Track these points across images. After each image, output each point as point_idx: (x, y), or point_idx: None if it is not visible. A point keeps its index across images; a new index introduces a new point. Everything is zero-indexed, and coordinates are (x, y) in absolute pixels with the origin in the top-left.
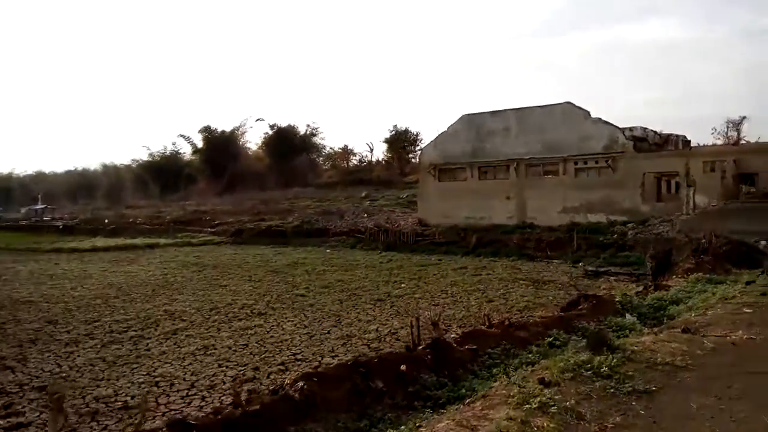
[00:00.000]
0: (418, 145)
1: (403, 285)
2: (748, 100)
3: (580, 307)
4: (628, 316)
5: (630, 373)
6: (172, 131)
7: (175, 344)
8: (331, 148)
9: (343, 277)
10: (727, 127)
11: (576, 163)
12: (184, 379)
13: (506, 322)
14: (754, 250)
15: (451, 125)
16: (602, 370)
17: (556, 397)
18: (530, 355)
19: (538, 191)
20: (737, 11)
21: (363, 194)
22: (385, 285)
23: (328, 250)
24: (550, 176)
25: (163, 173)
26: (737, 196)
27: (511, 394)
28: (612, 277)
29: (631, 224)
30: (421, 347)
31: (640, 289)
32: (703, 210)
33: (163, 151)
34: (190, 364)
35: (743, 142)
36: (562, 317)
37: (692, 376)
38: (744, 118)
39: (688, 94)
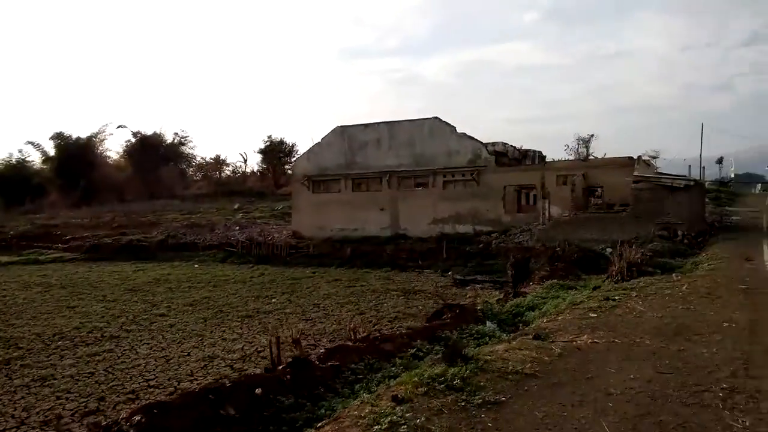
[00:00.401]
0: (293, 156)
1: (274, 300)
2: (597, 118)
3: (444, 317)
4: (488, 323)
5: (482, 383)
6: (18, 138)
7: (6, 376)
8: (202, 158)
9: (211, 294)
10: (578, 144)
11: (444, 176)
12: (13, 416)
13: (372, 336)
14: (600, 257)
15: (325, 137)
16: (455, 382)
17: (407, 414)
18: (393, 368)
19: (410, 203)
20: (588, 38)
21: (236, 206)
22: (255, 300)
23: (196, 266)
24: (421, 188)
25: (7, 184)
26: (586, 207)
27: (362, 414)
28: (478, 285)
29: (495, 234)
30: (281, 367)
31: (501, 296)
32: (557, 220)
33: (7, 159)
34: (23, 398)
35: (591, 157)
36: (427, 327)
37: (540, 384)
38: (592, 135)
39: (545, 113)
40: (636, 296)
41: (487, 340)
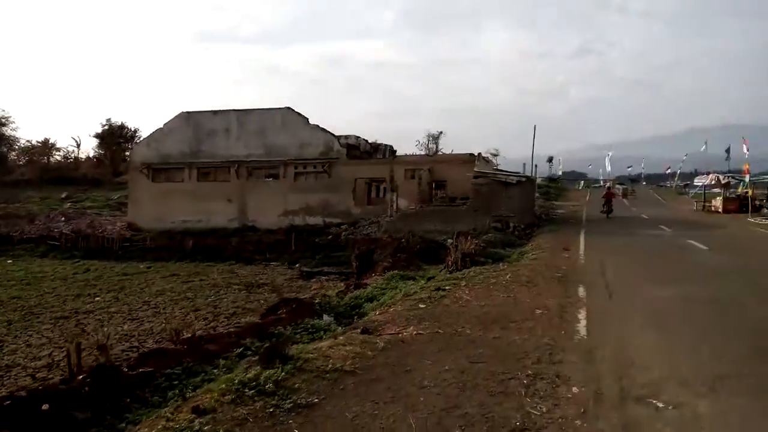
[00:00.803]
0: (136, 142)
1: (98, 298)
2: (446, 116)
3: (279, 312)
4: (325, 317)
5: (297, 385)
6: None
7: None
8: (27, 141)
9: (22, 293)
10: (428, 140)
11: (296, 167)
12: None
13: (196, 336)
14: (442, 247)
15: (168, 122)
16: (267, 386)
17: (206, 428)
18: (216, 371)
19: (260, 194)
20: (439, 40)
21: (63, 195)
22: (74, 300)
23: (9, 261)
24: (271, 179)
25: None
26: (431, 200)
27: (157, 430)
28: (324, 277)
29: (344, 226)
30: (81, 377)
31: (343, 288)
32: (404, 212)
33: None
34: None
35: (440, 153)
36: (259, 324)
37: (357, 381)
38: (441, 132)
39: (399, 109)
40: (464, 285)
41: (322, 334)
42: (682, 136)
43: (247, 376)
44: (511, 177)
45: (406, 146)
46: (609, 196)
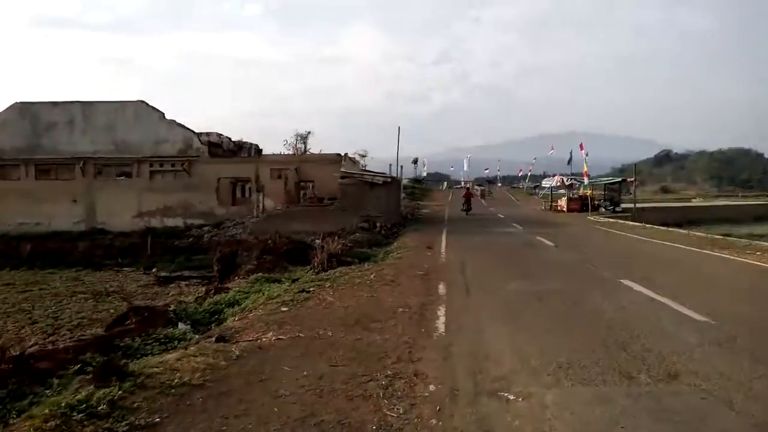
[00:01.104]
0: None
1: None
2: (315, 115)
3: (127, 322)
4: (181, 325)
5: (136, 404)
6: None
7: None
8: None
9: None
10: (296, 140)
11: (152, 165)
12: None
13: (26, 353)
14: (310, 248)
15: None
16: (100, 408)
17: None
18: (49, 392)
19: (111, 194)
20: (308, 38)
21: None
22: None
23: None
24: (123, 178)
25: None
26: (299, 200)
27: None
28: (184, 282)
29: (207, 227)
30: None
31: (204, 293)
32: (270, 213)
33: None
34: None
35: (309, 153)
36: (104, 337)
37: (206, 395)
38: (309, 132)
39: (267, 107)
40: (329, 287)
41: (176, 344)
42: (533, 140)
43: (77, 397)
44: (378, 177)
45: (275, 146)
46: (468, 196)
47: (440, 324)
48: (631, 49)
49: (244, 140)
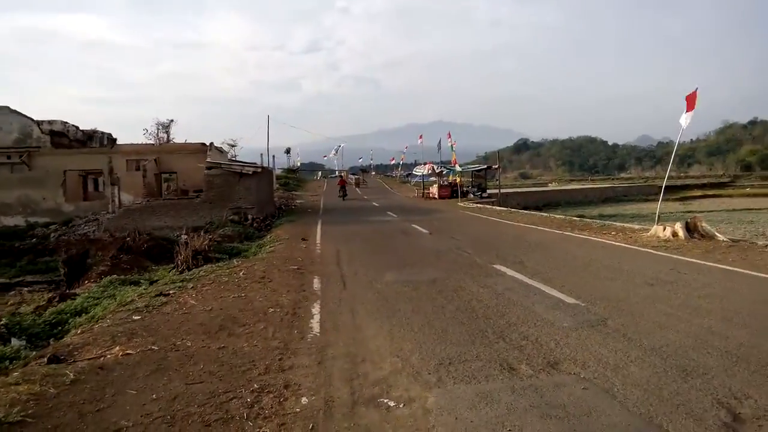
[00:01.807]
0: None
1: None
2: (177, 104)
3: None
4: (14, 341)
5: None
6: None
7: None
8: None
9: None
10: (158, 129)
11: None
12: None
13: None
14: (175, 245)
15: None
16: None
17: None
18: None
19: None
20: (165, 23)
21: None
22: None
23: None
24: None
25: None
26: (160, 193)
27: None
28: (26, 288)
29: (54, 226)
30: None
31: (46, 301)
32: (128, 208)
33: None
34: None
35: (173, 143)
36: None
37: None
38: (172, 121)
39: (123, 95)
40: (192, 288)
41: (7, 364)
42: (403, 130)
43: None
44: (247, 168)
45: (135, 137)
46: (342, 183)
47: (315, 323)
48: (489, 42)
49: (97, 129)
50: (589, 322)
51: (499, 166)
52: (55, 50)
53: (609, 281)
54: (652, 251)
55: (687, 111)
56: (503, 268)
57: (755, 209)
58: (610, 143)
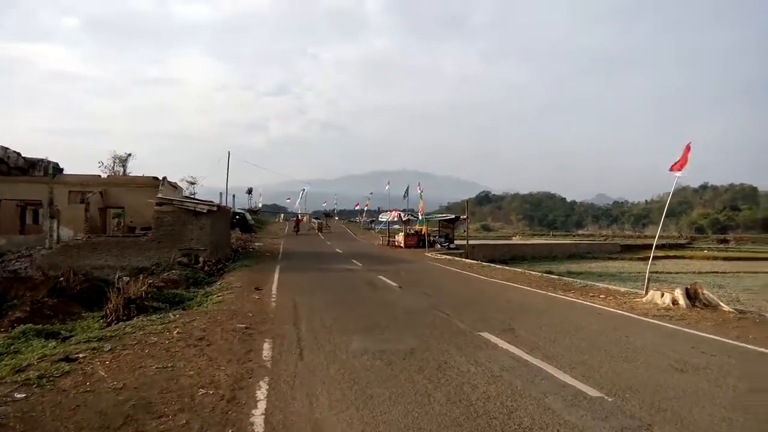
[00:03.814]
0: None
1: None
2: (138, 139)
3: None
4: None
5: None
6: None
7: None
8: None
9: None
10: (114, 162)
11: None
12: None
13: None
14: (112, 288)
15: None
16: None
17: None
18: None
19: None
20: (130, 57)
21: None
22: None
23: None
24: None
25: None
26: (104, 229)
27: None
28: None
29: None
30: None
31: None
32: (67, 244)
33: None
34: None
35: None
36: None
37: None
38: (130, 155)
39: (82, 127)
40: (109, 351)
41: None
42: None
43: None
44: (202, 206)
45: (90, 169)
46: (297, 222)
47: (257, 418)
48: (456, 96)
49: (44, 158)
50: (631, 430)
51: (467, 217)
52: (15, 78)
53: (626, 363)
54: (656, 322)
55: (678, 165)
56: (492, 338)
57: (720, 272)
58: (568, 200)
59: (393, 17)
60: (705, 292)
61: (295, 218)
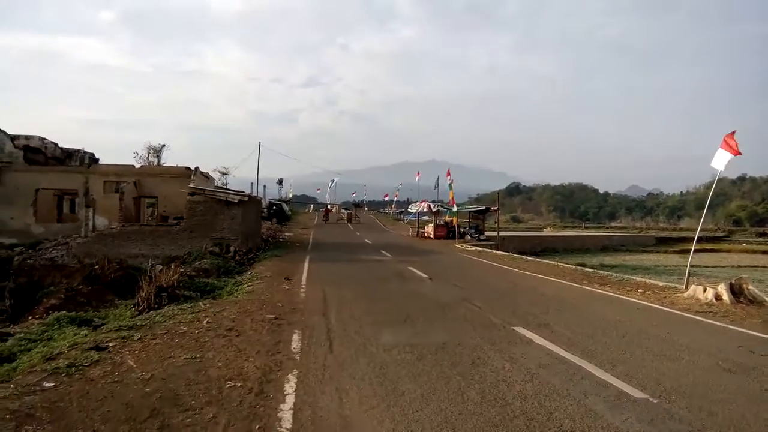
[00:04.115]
0: None
1: None
2: (172, 131)
3: None
4: None
5: None
6: None
7: None
8: None
9: None
10: (149, 153)
11: None
12: None
13: None
14: (144, 276)
15: None
16: None
17: None
18: None
19: None
20: (166, 51)
21: None
22: None
23: None
24: None
25: None
26: (138, 218)
27: None
28: None
29: (20, 248)
30: None
31: None
32: (102, 232)
33: None
34: None
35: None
36: None
37: None
38: (164, 145)
39: (119, 119)
40: (138, 339)
41: None
42: (397, 167)
43: None
44: (233, 196)
45: (126, 160)
46: (327, 212)
47: (286, 413)
48: (485, 87)
49: (80, 149)
50: None
51: (498, 209)
52: (56, 71)
53: (670, 361)
54: (699, 318)
55: (724, 152)
56: (527, 333)
57: (761, 267)
58: (600, 191)
59: (423, 7)
60: (750, 287)
61: (324, 209)
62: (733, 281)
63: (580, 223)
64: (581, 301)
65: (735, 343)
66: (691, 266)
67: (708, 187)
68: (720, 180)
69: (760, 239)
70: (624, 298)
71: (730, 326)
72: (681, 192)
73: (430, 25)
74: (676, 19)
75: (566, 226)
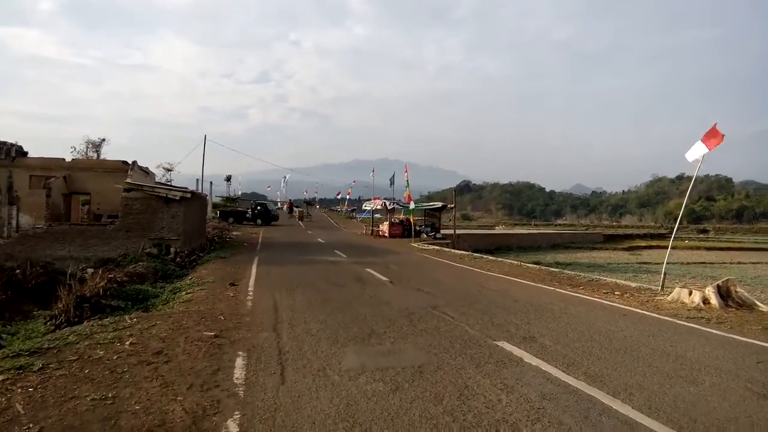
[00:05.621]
0: None
1: None
2: (115, 126)
3: None
4: None
5: None
6: None
7: None
8: None
9: None
10: (87, 147)
11: None
12: None
13: None
14: (77, 282)
15: None
16: None
17: None
18: None
19: None
20: (108, 42)
21: None
22: None
23: None
24: None
25: None
26: (69, 216)
27: None
28: None
29: None
30: None
31: None
32: (25, 232)
33: None
34: None
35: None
36: None
37: None
38: (104, 140)
39: (57, 112)
40: (39, 370)
41: None
42: (349, 165)
43: None
44: (174, 192)
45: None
46: (290, 205)
47: None
48: (438, 87)
49: (6, 141)
50: None
51: (454, 206)
52: None
53: (691, 385)
54: (694, 326)
55: (703, 144)
56: (514, 349)
57: (708, 263)
58: (547, 190)
59: (375, 5)
60: (739, 290)
61: (288, 202)
62: (720, 283)
63: (529, 220)
64: (560, 306)
65: (750, 358)
66: (643, 263)
67: (649, 186)
68: (659, 180)
69: (701, 236)
70: (604, 302)
71: (733, 335)
72: (623, 190)
73: (382, 24)
74: (623, 25)
75: (516, 224)
